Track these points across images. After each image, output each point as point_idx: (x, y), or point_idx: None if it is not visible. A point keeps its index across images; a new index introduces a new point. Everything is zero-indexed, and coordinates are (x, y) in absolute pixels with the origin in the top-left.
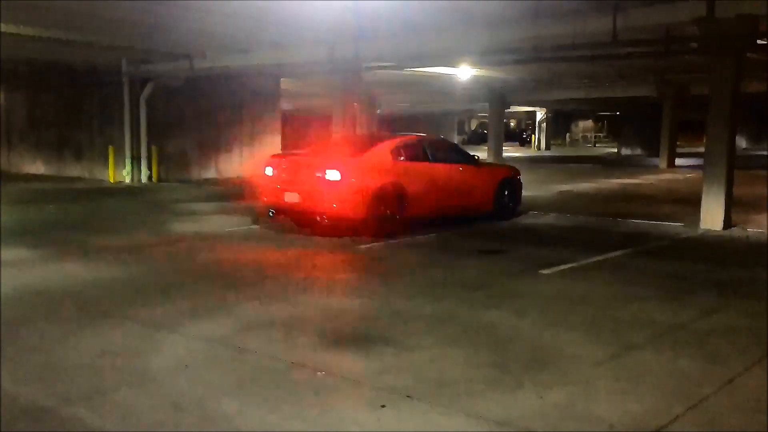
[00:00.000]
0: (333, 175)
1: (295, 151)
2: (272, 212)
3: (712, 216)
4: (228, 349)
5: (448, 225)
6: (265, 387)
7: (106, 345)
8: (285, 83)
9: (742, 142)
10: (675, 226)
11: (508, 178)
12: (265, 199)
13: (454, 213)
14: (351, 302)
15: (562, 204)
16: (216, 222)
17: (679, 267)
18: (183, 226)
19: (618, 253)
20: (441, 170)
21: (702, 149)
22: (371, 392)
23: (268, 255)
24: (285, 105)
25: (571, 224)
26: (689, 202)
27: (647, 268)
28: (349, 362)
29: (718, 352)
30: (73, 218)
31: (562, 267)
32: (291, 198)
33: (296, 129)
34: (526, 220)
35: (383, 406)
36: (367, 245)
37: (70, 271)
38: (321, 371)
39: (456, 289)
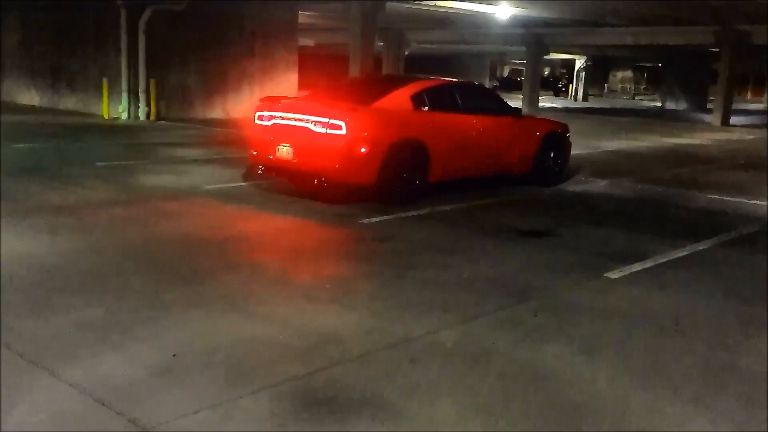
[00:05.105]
0: (336, 126)
1: (292, 95)
2: (262, 169)
3: None
4: (117, 422)
5: (479, 188)
6: None
7: None
8: (304, 17)
9: None
10: (761, 205)
11: (555, 135)
12: (255, 152)
13: (488, 174)
14: (335, 319)
15: (614, 166)
16: (199, 175)
17: None
18: (157, 179)
19: (705, 244)
20: (474, 124)
21: (755, 105)
22: None
23: (243, 230)
24: (305, 41)
25: (631, 195)
26: (762, 170)
27: (751, 270)
28: None
29: None
30: (38, 162)
31: (636, 267)
32: (283, 153)
33: (316, 67)
34: (574, 186)
35: None
36: (374, 219)
37: None
38: None
39: (490, 298)
